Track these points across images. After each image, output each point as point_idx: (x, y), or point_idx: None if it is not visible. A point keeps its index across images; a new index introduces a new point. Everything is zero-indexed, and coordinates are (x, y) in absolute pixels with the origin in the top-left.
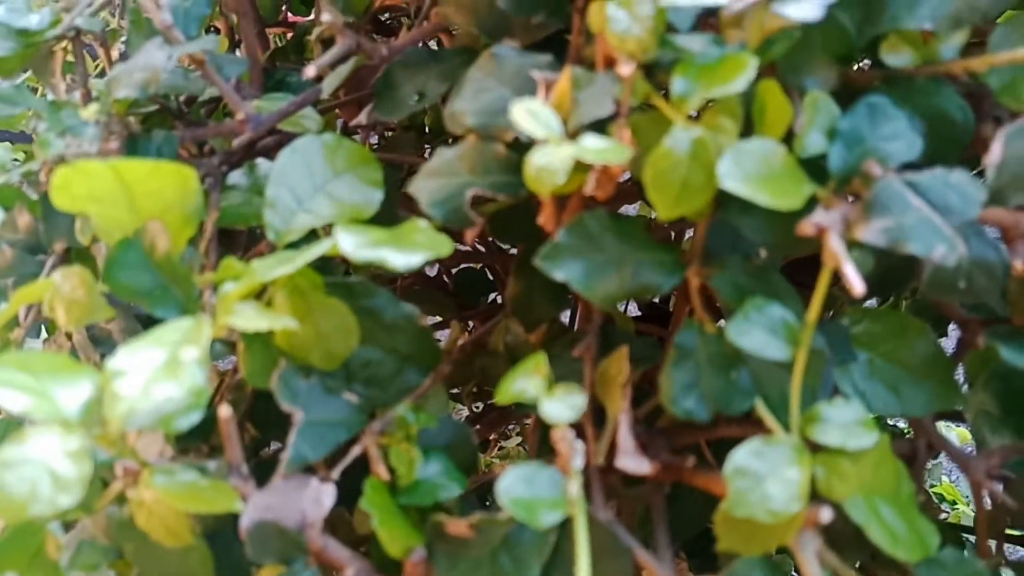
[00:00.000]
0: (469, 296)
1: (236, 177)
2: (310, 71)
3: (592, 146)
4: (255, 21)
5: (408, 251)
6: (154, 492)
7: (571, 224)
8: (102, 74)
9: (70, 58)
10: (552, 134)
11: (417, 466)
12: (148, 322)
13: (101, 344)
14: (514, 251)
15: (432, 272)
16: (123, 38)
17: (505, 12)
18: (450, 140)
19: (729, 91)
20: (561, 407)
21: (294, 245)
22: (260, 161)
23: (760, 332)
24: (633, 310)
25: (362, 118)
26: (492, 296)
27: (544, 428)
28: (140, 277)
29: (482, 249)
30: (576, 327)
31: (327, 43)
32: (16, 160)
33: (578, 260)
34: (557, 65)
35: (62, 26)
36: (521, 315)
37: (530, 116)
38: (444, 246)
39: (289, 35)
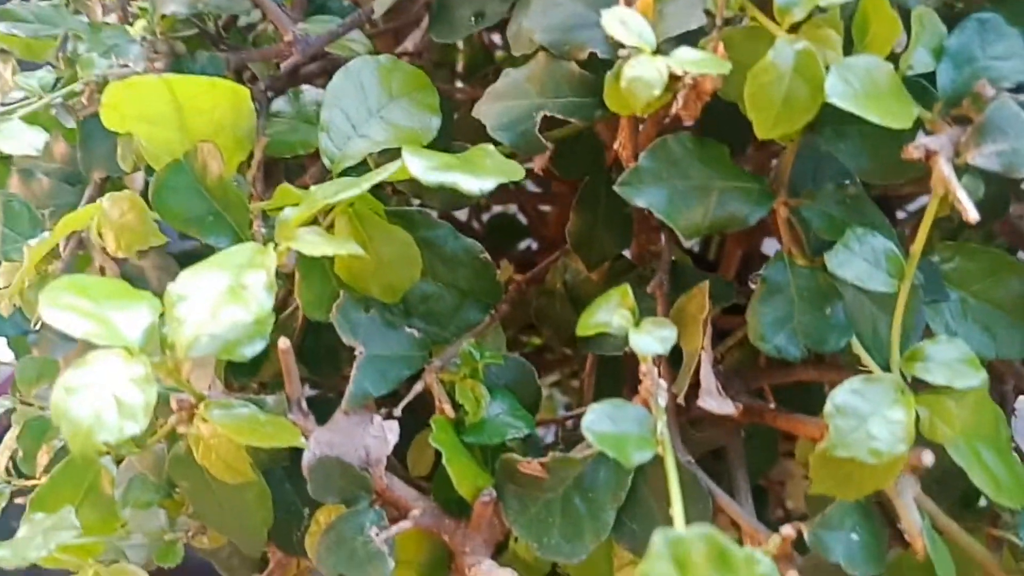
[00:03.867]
0: (501, 242)
1: (280, 104)
2: None
3: (688, 58)
4: None
5: (480, 175)
6: (212, 426)
7: (654, 148)
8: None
9: None
10: (646, 44)
11: (484, 404)
12: (182, 260)
13: (133, 282)
14: (546, 194)
15: (463, 217)
16: None
17: None
18: (489, 76)
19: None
20: (650, 340)
21: (348, 172)
22: (305, 88)
23: (862, 263)
24: None
25: (408, 45)
26: (526, 242)
27: (600, 373)
28: (191, 202)
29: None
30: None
31: None
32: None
33: (660, 186)
34: None
35: None
36: (583, 251)
37: (621, 25)
38: (516, 171)
39: None
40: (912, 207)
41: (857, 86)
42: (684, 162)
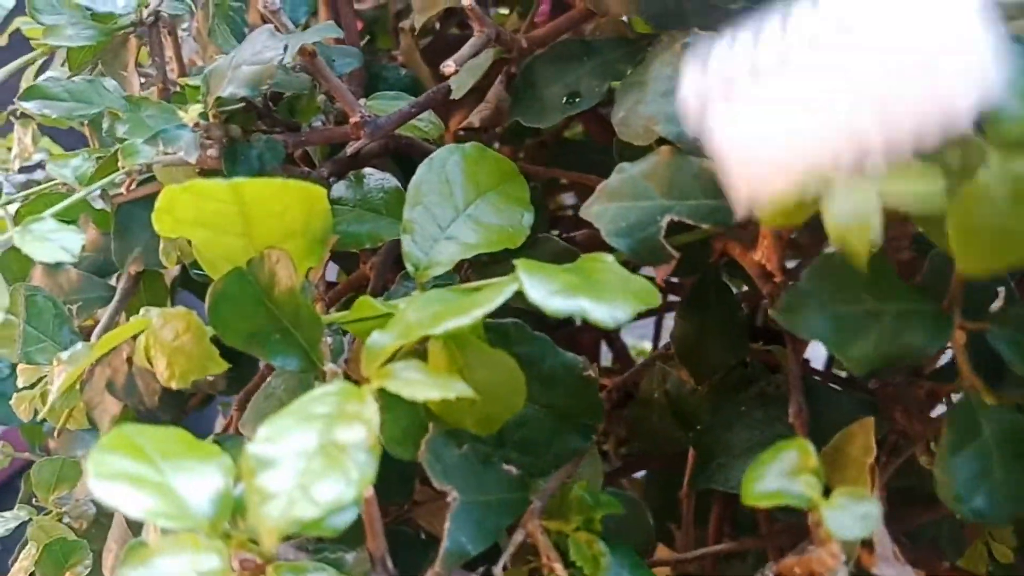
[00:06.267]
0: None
1: (340, 190)
2: (449, 68)
3: (905, 189)
4: (351, 4)
5: (610, 301)
6: None
7: (817, 268)
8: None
9: None
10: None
11: (604, 564)
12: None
13: None
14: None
15: None
16: (184, 24)
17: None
18: (520, 152)
19: None
20: (848, 519)
21: (437, 282)
22: (368, 171)
23: None
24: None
25: (473, 120)
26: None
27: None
28: (255, 317)
29: None
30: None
31: (429, 32)
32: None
33: (826, 313)
34: None
35: (148, 10)
36: (690, 362)
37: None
38: (651, 297)
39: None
40: None
41: None
42: (850, 283)
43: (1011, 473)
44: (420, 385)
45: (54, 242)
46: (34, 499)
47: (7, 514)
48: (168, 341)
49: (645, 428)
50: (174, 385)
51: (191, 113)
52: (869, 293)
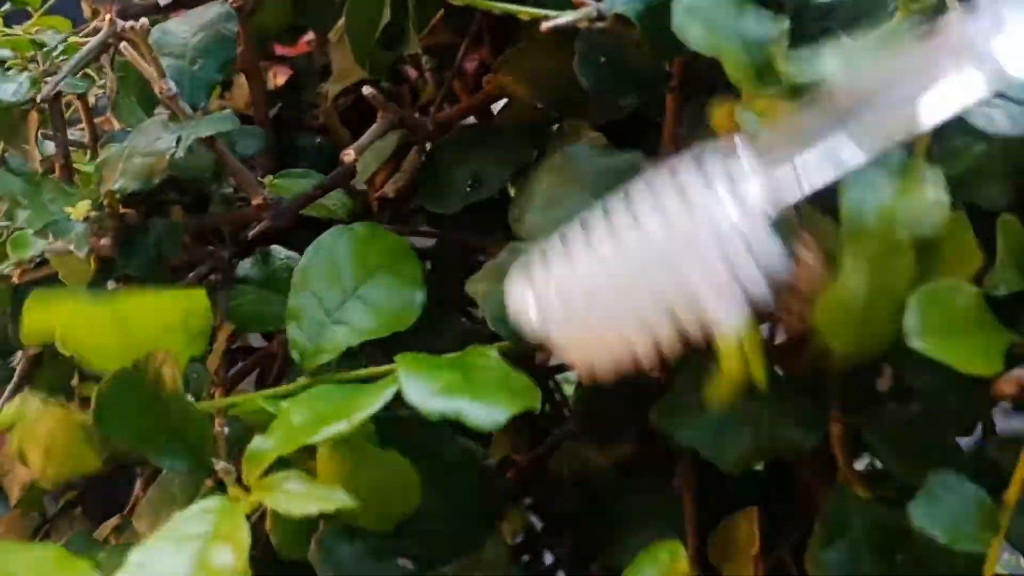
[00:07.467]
0: None
1: (246, 268)
2: (349, 156)
3: None
4: (262, 80)
5: (489, 401)
6: None
7: (689, 373)
8: None
9: None
10: None
11: None
12: None
13: None
14: None
15: None
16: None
17: (582, 89)
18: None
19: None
20: None
21: (325, 368)
22: (275, 248)
23: (951, 517)
24: None
25: (388, 190)
26: None
27: None
28: (143, 418)
29: None
30: None
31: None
32: None
33: (704, 418)
34: (646, 161)
35: (43, 94)
36: (592, 431)
37: None
38: (531, 396)
39: (275, 76)
40: None
41: (940, 322)
42: None
43: (880, 569)
44: (301, 499)
45: None
46: None
47: None
48: (41, 436)
49: (555, 505)
50: (46, 485)
51: (79, 209)
52: (745, 394)
